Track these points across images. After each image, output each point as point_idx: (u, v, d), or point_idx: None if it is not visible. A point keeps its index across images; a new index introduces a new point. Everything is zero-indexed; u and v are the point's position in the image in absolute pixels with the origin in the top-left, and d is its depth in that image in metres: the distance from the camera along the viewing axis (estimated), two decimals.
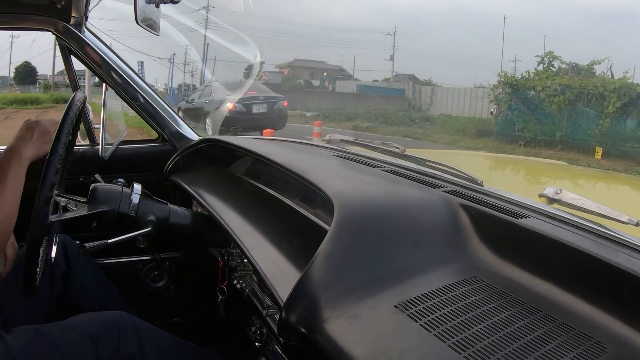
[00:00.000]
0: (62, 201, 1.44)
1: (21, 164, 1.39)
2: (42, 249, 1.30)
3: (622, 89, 14.83)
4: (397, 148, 1.71)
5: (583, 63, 17.48)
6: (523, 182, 2.29)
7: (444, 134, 18.75)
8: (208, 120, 13.16)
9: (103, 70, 1.98)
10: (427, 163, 1.57)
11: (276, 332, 1.13)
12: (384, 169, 1.51)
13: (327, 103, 26.18)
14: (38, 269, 1.28)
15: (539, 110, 16.61)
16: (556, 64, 17.25)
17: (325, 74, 35.67)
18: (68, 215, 1.39)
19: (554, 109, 16.15)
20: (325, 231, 0.95)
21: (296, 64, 39.45)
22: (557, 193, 1.23)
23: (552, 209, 1.17)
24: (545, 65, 17.20)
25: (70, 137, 1.35)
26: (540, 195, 1.27)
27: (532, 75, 17.36)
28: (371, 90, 28.45)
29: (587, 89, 15.46)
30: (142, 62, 19.96)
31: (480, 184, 1.35)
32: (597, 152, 14.11)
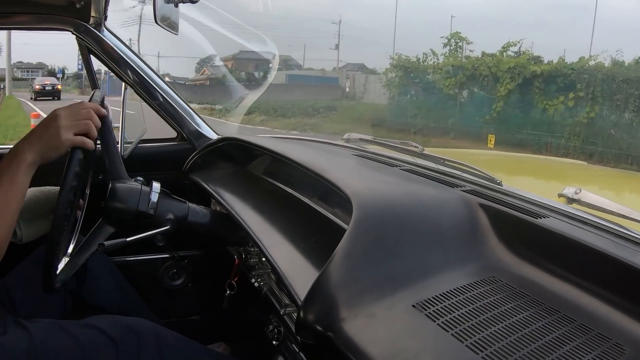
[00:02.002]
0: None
1: (19, 169, 1.21)
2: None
3: (516, 68, 13.47)
4: (415, 147, 1.71)
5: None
6: (542, 182, 2.27)
7: (336, 124, 17.49)
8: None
9: (122, 69, 2.00)
10: (445, 162, 1.56)
11: (293, 330, 1.14)
12: (402, 168, 1.51)
13: (250, 95, 25.26)
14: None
15: (432, 96, 15.51)
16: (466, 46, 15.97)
17: (270, 65, 34.45)
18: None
19: (446, 93, 15.06)
20: (344, 230, 0.95)
21: (241, 56, 37.83)
22: (576, 193, 1.22)
23: (572, 209, 1.16)
24: (451, 48, 16.00)
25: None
26: (560, 195, 1.26)
27: (427, 57, 16.12)
28: (302, 80, 28.13)
29: (480, 69, 14.18)
30: None
31: (499, 184, 1.35)
32: (490, 140, 13.15)
